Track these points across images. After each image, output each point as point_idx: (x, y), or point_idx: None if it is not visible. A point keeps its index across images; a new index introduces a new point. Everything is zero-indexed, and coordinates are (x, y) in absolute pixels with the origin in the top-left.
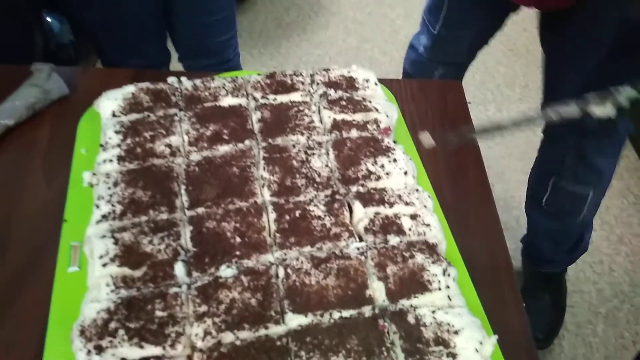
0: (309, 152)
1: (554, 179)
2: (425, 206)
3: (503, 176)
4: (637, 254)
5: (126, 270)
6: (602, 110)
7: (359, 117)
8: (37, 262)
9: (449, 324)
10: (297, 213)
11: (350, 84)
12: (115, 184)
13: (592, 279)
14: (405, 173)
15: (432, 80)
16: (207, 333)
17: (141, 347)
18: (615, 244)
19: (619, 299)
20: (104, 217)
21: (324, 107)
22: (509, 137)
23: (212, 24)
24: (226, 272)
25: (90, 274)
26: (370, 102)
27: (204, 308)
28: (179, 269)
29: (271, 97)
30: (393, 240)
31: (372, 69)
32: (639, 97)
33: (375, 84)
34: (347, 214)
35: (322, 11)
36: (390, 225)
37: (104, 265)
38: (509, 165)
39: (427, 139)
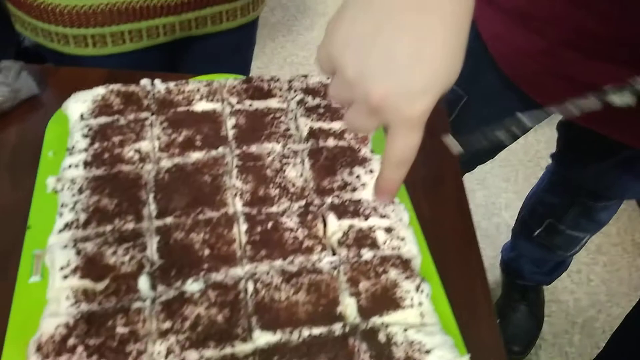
0: (284, 160)
1: (551, 220)
2: (400, 219)
3: (484, 182)
4: (615, 263)
5: (88, 283)
6: (621, 99)
7: (336, 125)
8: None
9: (420, 343)
10: (269, 225)
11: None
12: (80, 191)
13: (570, 289)
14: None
15: None
16: (170, 351)
17: None
18: (593, 254)
19: (596, 309)
20: (67, 225)
21: (301, 115)
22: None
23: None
24: (192, 286)
25: (50, 286)
26: None
27: (167, 324)
28: (143, 282)
29: (247, 102)
30: (367, 254)
31: None
32: None
33: None
34: (320, 226)
35: (307, 12)
36: (364, 239)
37: (65, 277)
38: (490, 172)
39: (454, 144)
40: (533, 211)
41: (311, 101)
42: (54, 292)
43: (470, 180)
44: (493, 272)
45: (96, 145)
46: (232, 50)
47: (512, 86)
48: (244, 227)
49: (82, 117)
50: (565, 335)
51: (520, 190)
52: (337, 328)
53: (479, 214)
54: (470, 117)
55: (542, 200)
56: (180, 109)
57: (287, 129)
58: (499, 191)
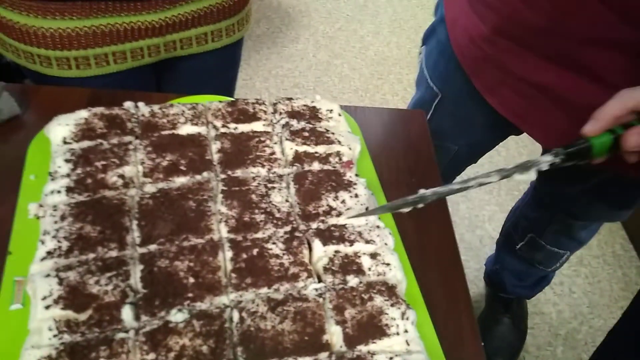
0: (269, 185)
1: (532, 235)
2: (386, 244)
3: (467, 194)
4: (596, 275)
5: (70, 314)
6: (526, 176)
7: (321, 149)
8: None
9: None
10: (255, 251)
11: (313, 114)
12: (63, 218)
13: (553, 300)
14: (367, 209)
15: (396, 109)
16: None
17: None
18: (575, 266)
19: (578, 321)
20: (49, 253)
21: (286, 139)
22: None
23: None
24: (177, 316)
25: (32, 317)
26: (333, 133)
27: (151, 356)
28: (127, 312)
29: (232, 125)
30: (352, 281)
31: (342, 84)
32: (556, 161)
33: (339, 114)
34: (306, 252)
35: (292, 24)
36: (350, 265)
37: (47, 307)
38: None
39: None
40: (516, 224)
41: (296, 124)
42: (36, 323)
43: None
44: (477, 284)
45: (79, 170)
46: (217, 69)
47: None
48: (229, 254)
49: (64, 141)
50: (549, 347)
51: (503, 202)
52: (323, 357)
53: (463, 227)
54: (445, 115)
55: (524, 214)
56: (165, 132)
57: (273, 153)
58: (482, 203)
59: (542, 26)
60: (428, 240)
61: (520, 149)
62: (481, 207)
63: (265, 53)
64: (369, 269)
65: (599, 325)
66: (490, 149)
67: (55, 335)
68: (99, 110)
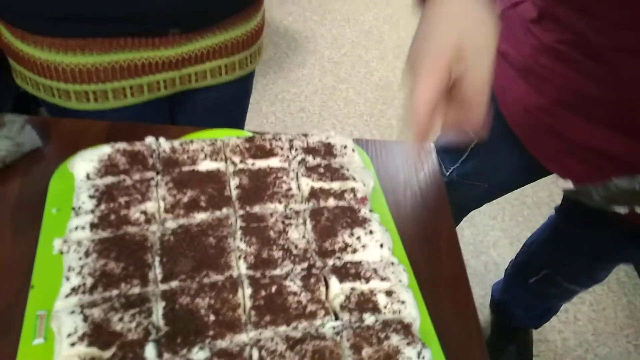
0: (286, 221)
1: (548, 271)
2: (400, 280)
3: (472, 220)
4: (601, 302)
5: (95, 351)
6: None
7: (336, 185)
8: (1, 330)
9: None
10: (273, 288)
11: (328, 150)
12: (87, 254)
13: (558, 328)
14: (382, 245)
15: (406, 143)
16: None
17: None
18: (580, 293)
19: (583, 349)
20: (74, 290)
21: (302, 175)
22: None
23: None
24: (199, 354)
25: (57, 354)
26: (347, 170)
27: None
28: (150, 350)
29: (250, 162)
30: (369, 319)
31: (347, 109)
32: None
33: (353, 150)
34: (323, 289)
35: (299, 49)
36: (365, 303)
37: (72, 344)
38: (477, 210)
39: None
40: (530, 259)
41: (312, 160)
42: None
43: None
44: (482, 311)
45: (103, 206)
46: (229, 100)
47: (514, 136)
48: (248, 291)
49: (88, 176)
50: None
51: (507, 228)
52: None
53: (468, 252)
54: (478, 160)
55: (541, 250)
56: (185, 168)
57: (289, 189)
58: (487, 229)
59: (603, 97)
60: (439, 274)
61: None
62: (485, 233)
63: (272, 77)
64: (385, 307)
65: (605, 354)
66: (520, 187)
67: None
68: (122, 146)
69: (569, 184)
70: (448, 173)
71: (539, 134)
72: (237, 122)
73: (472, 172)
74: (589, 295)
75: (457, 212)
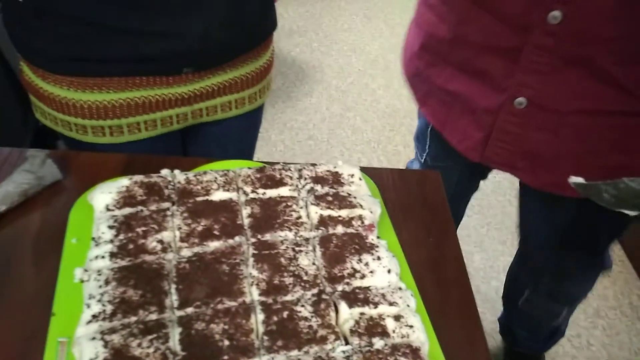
0: (296, 249)
1: (528, 291)
2: (408, 305)
3: (482, 245)
4: (614, 327)
5: None
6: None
7: (344, 213)
8: (24, 356)
9: None
10: (285, 314)
11: (336, 179)
12: (107, 282)
13: (571, 354)
14: (389, 271)
15: (412, 170)
16: None
17: None
18: (592, 317)
19: None
20: (94, 317)
21: (311, 203)
22: (485, 206)
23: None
24: None
25: None
26: (355, 197)
27: None
28: None
29: (261, 191)
30: (378, 343)
31: (355, 136)
32: None
33: (360, 178)
34: (333, 314)
35: (306, 79)
36: (374, 327)
37: None
38: (487, 234)
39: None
40: (513, 281)
41: (320, 189)
42: None
43: (468, 243)
44: (494, 337)
45: (121, 236)
46: (239, 133)
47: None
48: (260, 316)
49: (107, 208)
50: None
51: None
52: None
53: (478, 278)
54: (437, 141)
55: (517, 272)
56: (199, 198)
57: (299, 217)
58: (497, 254)
59: (451, 38)
60: (447, 298)
61: None
62: (495, 258)
63: (281, 107)
64: (393, 331)
65: None
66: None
67: None
68: (139, 178)
69: (579, 179)
70: (423, 160)
71: (415, 79)
72: (247, 152)
73: (437, 155)
74: (601, 320)
75: (454, 202)
